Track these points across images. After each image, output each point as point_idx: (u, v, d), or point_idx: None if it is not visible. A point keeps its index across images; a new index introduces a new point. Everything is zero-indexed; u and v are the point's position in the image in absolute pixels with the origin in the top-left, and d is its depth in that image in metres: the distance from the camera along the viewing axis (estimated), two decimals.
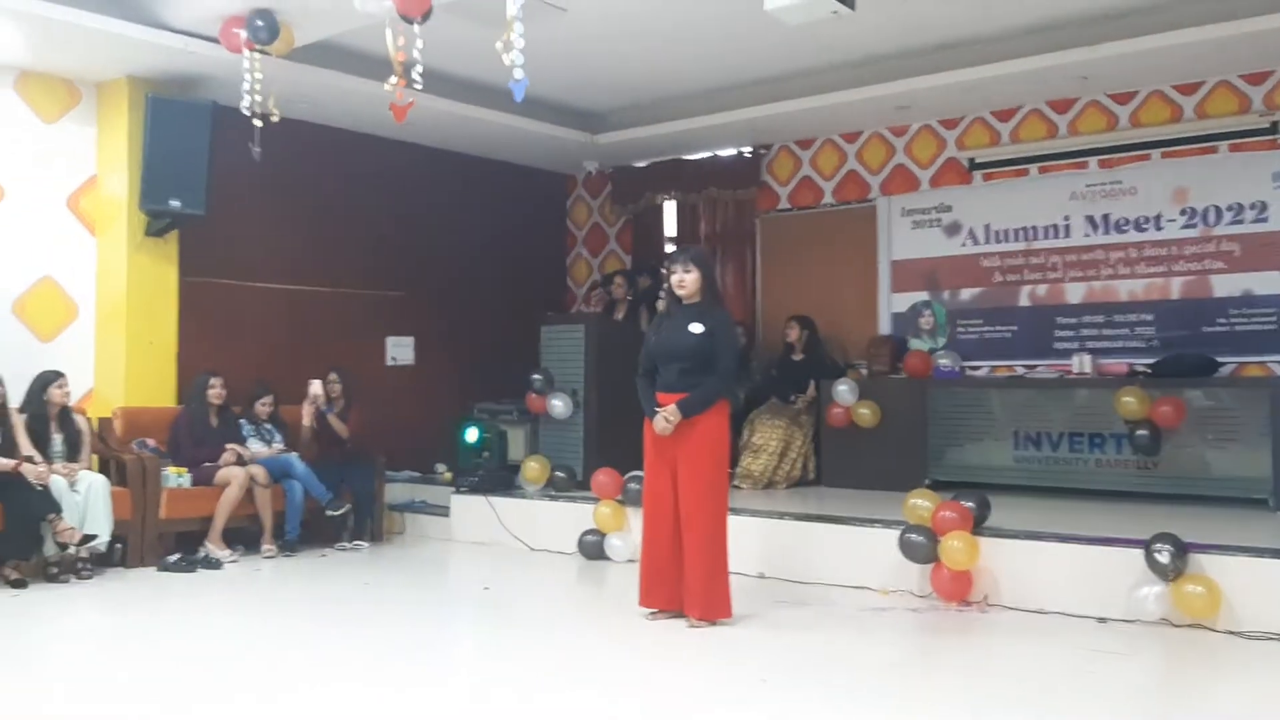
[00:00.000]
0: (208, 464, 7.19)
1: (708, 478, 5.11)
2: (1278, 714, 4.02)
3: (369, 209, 9.20)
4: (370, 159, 9.15)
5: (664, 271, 5.33)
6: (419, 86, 5.76)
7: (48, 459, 6.48)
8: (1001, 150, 8.47)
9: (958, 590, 5.63)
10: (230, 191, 7.87)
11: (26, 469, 6.19)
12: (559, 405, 8.31)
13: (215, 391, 7.37)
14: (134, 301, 7.57)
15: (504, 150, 9.80)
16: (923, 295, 8.87)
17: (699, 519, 5.09)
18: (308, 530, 7.46)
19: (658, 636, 5.00)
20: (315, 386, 7.73)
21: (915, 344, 8.73)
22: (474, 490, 8.00)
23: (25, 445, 6.39)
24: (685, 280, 5.19)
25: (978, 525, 5.78)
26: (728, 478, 5.32)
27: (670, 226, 10.35)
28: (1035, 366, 8.23)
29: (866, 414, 8.05)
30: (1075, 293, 8.20)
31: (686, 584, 5.13)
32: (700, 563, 5.08)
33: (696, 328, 5.12)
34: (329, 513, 7.46)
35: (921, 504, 5.90)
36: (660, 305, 8.53)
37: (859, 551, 6.14)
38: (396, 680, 4.30)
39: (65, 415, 6.71)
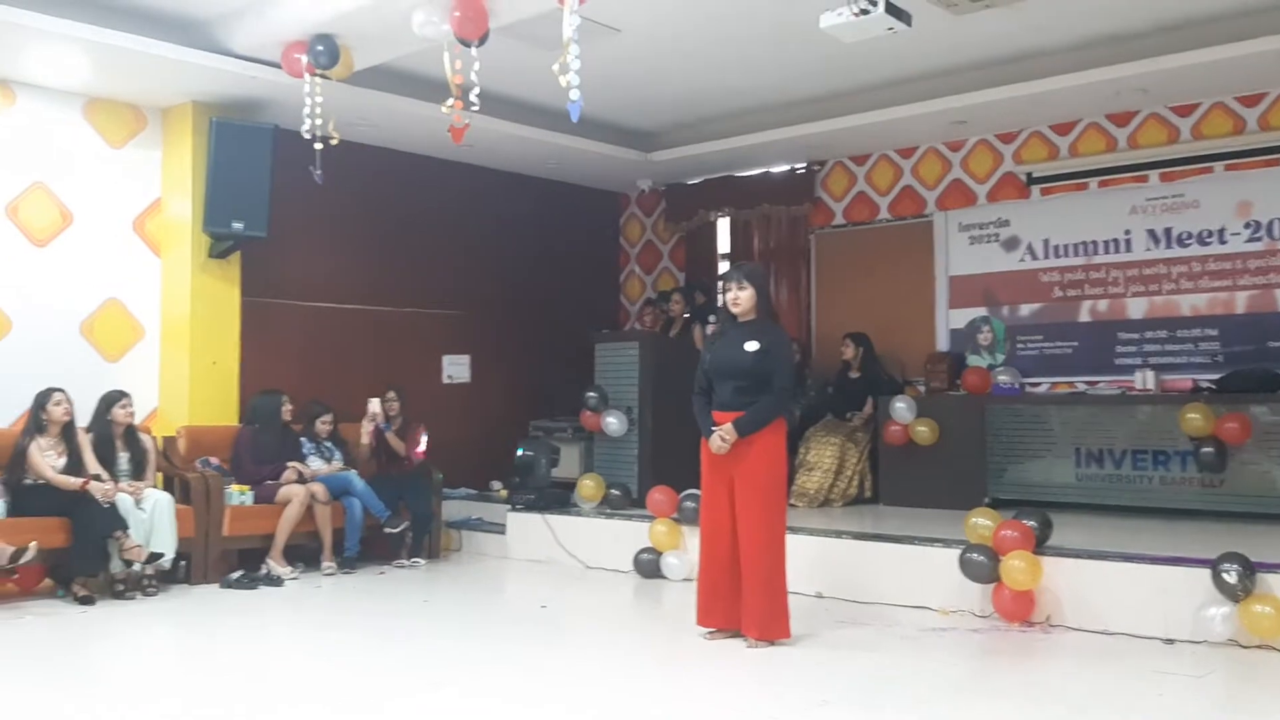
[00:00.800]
0: (269, 481, 7.30)
1: (765, 496, 5.11)
2: None
3: (426, 229, 9.32)
4: (428, 180, 9.27)
5: (719, 289, 5.34)
6: (476, 108, 5.84)
7: (114, 477, 6.62)
8: (1060, 164, 8.40)
9: (1020, 610, 5.57)
10: (291, 213, 8.03)
11: (94, 487, 6.33)
12: (614, 423, 8.34)
13: (288, 409, 7.49)
14: (197, 322, 7.73)
15: (558, 170, 9.88)
16: (981, 311, 8.80)
17: (757, 538, 5.08)
18: (366, 547, 7.53)
19: (716, 656, 4.99)
20: (374, 405, 7.83)
21: (974, 360, 8.66)
22: (530, 508, 8.04)
23: (92, 464, 6.54)
24: (740, 297, 5.20)
25: (1040, 544, 5.71)
26: (785, 496, 5.30)
27: (723, 243, 10.37)
28: (1096, 383, 8.13)
29: (924, 431, 7.99)
30: (1137, 308, 8.10)
31: (745, 603, 5.12)
32: (758, 582, 5.07)
33: (752, 345, 5.12)
34: (387, 530, 7.53)
35: (982, 523, 5.84)
36: (710, 326, 8.59)
37: (918, 571, 6.09)
38: (458, 697, 4.34)
39: (131, 434, 6.86)
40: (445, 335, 9.43)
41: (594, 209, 10.81)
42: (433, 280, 9.33)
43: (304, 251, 8.49)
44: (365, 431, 7.82)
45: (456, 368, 9.51)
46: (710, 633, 5.24)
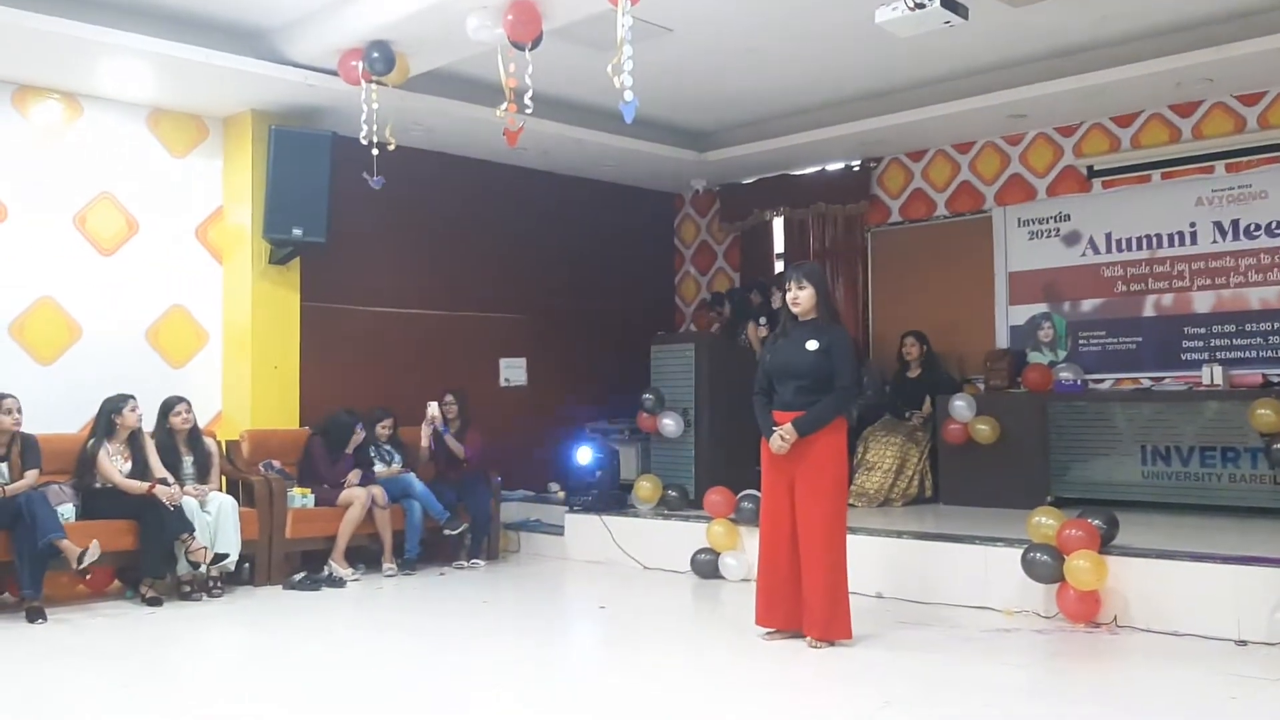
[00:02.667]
0: (329, 486, 7.39)
1: (826, 496, 5.06)
2: None
3: (482, 233, 9.37)
4: (483, 183, 9.33)
5: (773, 290, 5.32)
6: (530, 111, 5.85)
7: (179, 480, 6.73)
8: (1122, 156, 8.24)
9: (1085, 611, 5.46)
10: (349, 219, 8.13)
11: (160, 491, 6.44)
12: (670, 424, 8.33)
13: (359, 437, 7.53)
14: (258, 327, 7.84)
15: (612, 171, 9.90)
16: (1042, 307, 8.66)
17: (818, 537, 5.04)
18: (426, 549, 7.59)
19: (776, 656, 4.96)
20: (433, 409, 7.89)
21: (1035, 357, 8.53)
22: (587, 509, 8.05)
23: (158, 468, 6.65)
24: (800, 297, 5.17)
25: (1105, 544, 5.60)
26: (846, 495, 5.25)
27: (779, 243, 10.31)
28: (1162, 379, 7.96)
29: (985, 430, 7.88)
30: (1203, 302, 7.92)
31: (806, 604, 5.08)
32: (820, 582, 5.03)
33: (813, 345, 5.09)
34: (447, 531, 7.57)
35: (1046, 522, 5.74)
36: (762, 327, 8.54)
37: (981, 571, 6.00)
38: (520, 698, 4.35)
39: (195, 438, 6.97)
40: (501, 338, 9.47)
41: (648, 210, 10.81)
42: (489, 284, 9.38)
43: (362, 257, 8.58)
44: (424, 435, 7.88)
45: (513, 371, 9.55)
46: (769, 633, 5.21)
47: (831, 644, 5.04)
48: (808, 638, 5.08)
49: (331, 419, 7.60)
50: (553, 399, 9.58)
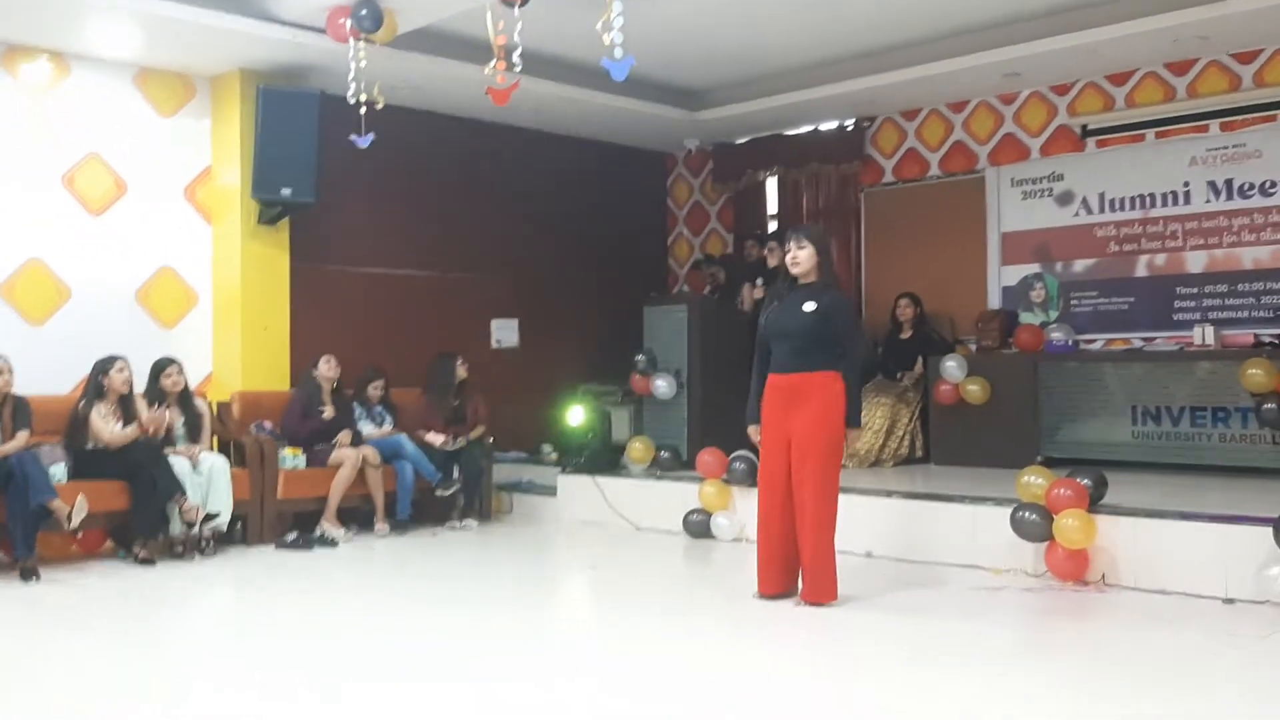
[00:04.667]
0: (320, 446, 7.37)
1: (824, 455, 5.03)
2: None
3: (472, 193, 9.30)
4: (473, 143, 9.24)
5: (771, 244, 5.27)
6: (519, 69, 5.78)
7: (170, 442, 6.72)
8: (1116, 115, 8.17)
9: (1073, 569, 5.48)
10: (338, 179, 8.06)
11: (147, 419, 6.46)
12: (663, 386, 8.32)
13: (329, 372, 7.53)
14: (248, 288, 7.80)
15: (604, 130, 9.81)
16: (1034, 267, 8.63)
17: (813, 497, 5.02)
18: (418, 509, 7.60)
19: (767, 617, 4.96)
20: (436, 438, 7.83)
21: (1026, 318, 8.50)
22: (580, 470, 8.06)
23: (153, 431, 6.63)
24: (799, 256, 5.10)
25: (1094, 503, 5.61)
26: (840, 459, 5.19)
27: (772, 204, 10.25)
28: (1154, 339, 7.94)
29: (976, 390, 7.87)
30: (1196, 261, 7.89)
31: (805, 563, 5.07)
32: (810, 542, 5.02)
33: (810, 306, 5.03)
34: (439, 492, 7.58)
35: (1035, 481, 5.74)
36: (758, 288, 8.50)
37: (970, 530, 6.02)
38: (512, 657, 4.36)
39: (186, 399, 6.94)
40: (493, 299, 9.43)
41: (641, 170, 10.73)
42: (480, 244, 9.32)
43: (352, 217, 8.52)
44: (432, 439, 7.80)
45: (505, 332, 9.51)
46: (770, 597, 5.14)
47: (817, 604, 5.03)
48: (795, 598, 5.08)
49: (304, 376, 7.58)
50: (545, 360, 9.56)
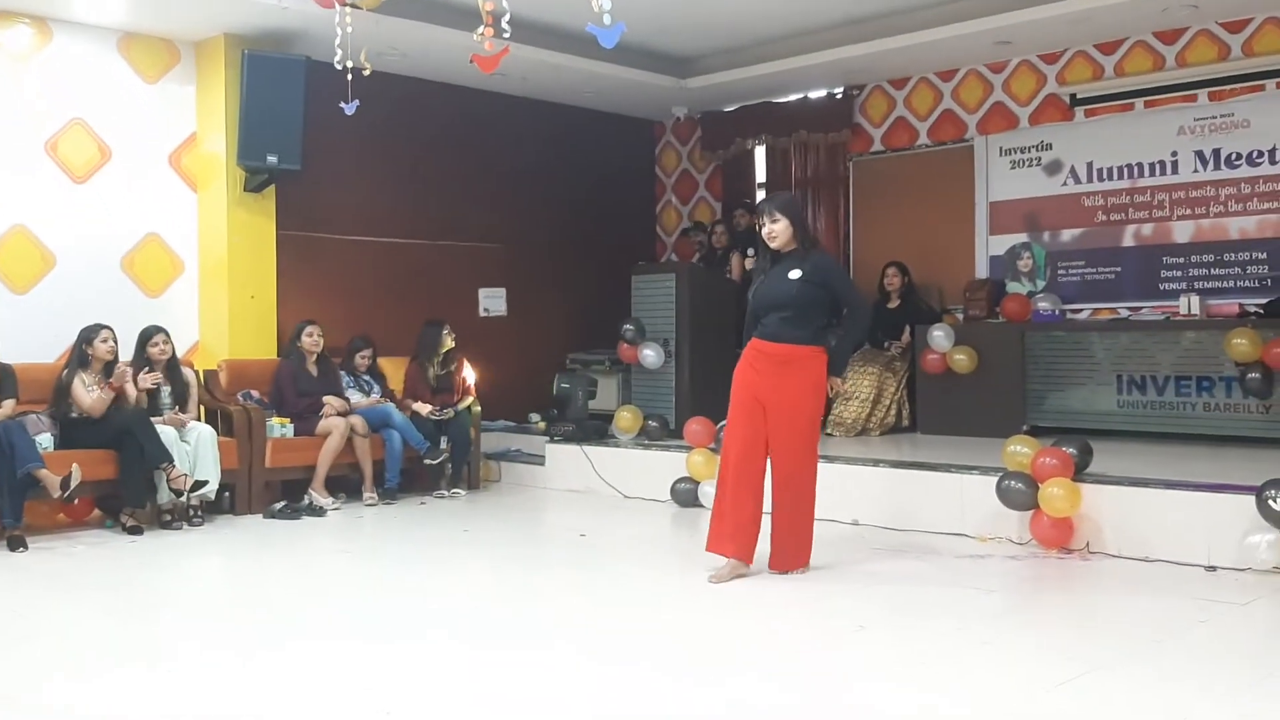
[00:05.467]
0: (309, 415, 7.36)
1: (811, 428, 5.05)
2: None
3: (460, 160, 9.25)
4: (461, 110, 9.17)
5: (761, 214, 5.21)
6: (508, 35, 5.72)
7: (157, 410, 6.69)
8: (1105, 85, 8.15)
9: (1058, 537, 5.52)
10: (325, 146, 8.00)
11: (116, 375, 6.41)
12: (651, 355, 8.32)
13: (312, 340, 7.51)
14: (235, 256, 7.76)
15: (592, 98, 9.75)
16: (1022, 237, 8.63)
17: (799, 468, 5.03)
18: (407, 478, 7.61)
19: (753, 584, 4.98)
20: (422, 408, 7.80)
21: (1014, 287, 8.52)
22: (568, 439, 8.07)
23: (133, 394, 6.59)
24: (775, 230, 5.06)
25: (1079, 471, 5.64)
26: (820, 431, 5.20)
27: (760, 172, 10.22)
28: (1140, 309, 7.97)
29: (963, 359, 7.89)
30: (1183, 231, 7.90)
31: (777, 533, 5.08)
32: (790, 513, 5.04)
33: (795, 274, 5.00)
34: (427, 461, 7.57)
35: (1020, 450, 5.77)
36: (749, 257, 8.47)
37: (956, 498, 6.06)
38: (504, 625, 4.37)
39: (173, 367, 6.91)
40: (481, 268, 9.39)
41: (629, 138, 10.67)
42: (467, 212, 9.28)
43: (339, 185, 8.47)
44: (420, 409, 7.78)
45: (493, 300, 9.48)
46: (717, 572, 5.01)
47: (791, 572, 5.06)
48: (774, 569, 5.08)
49: (290, 347, 7.56)
50: (533, 329, 9.54)
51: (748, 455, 5.03)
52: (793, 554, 5.09)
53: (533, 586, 5.16)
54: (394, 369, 8.02)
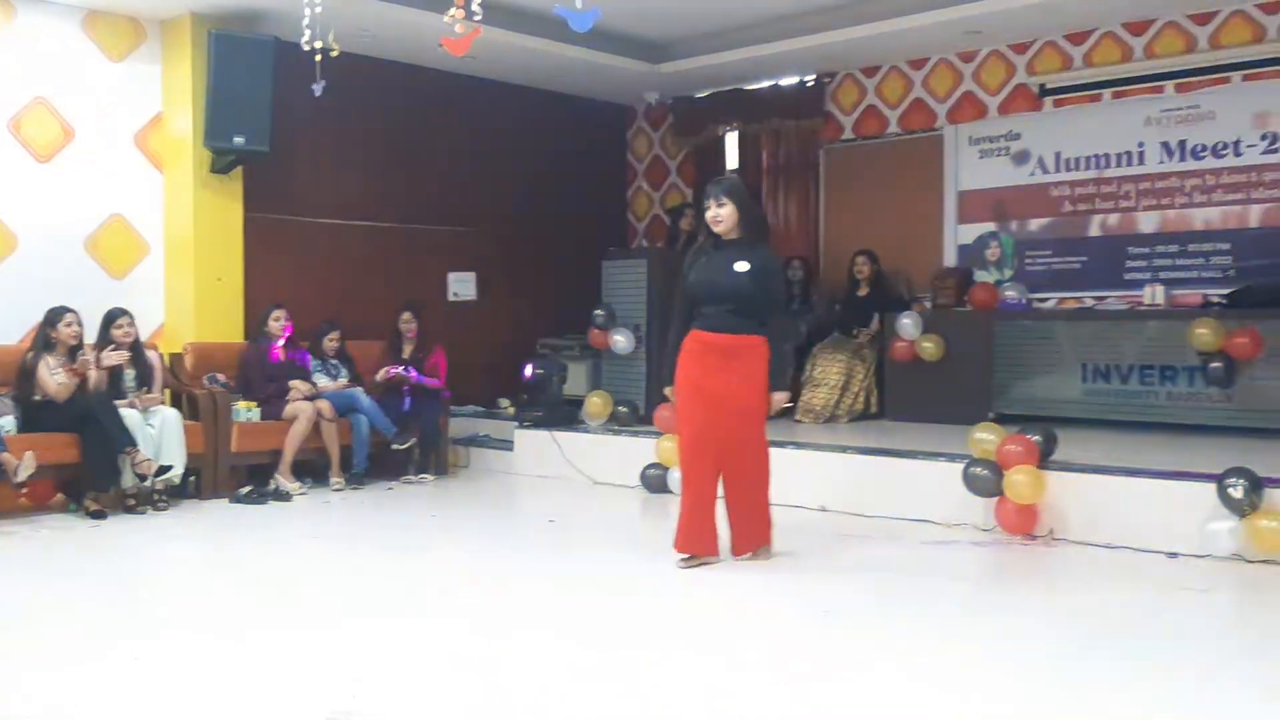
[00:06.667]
0: (276, 398, 7.30)
1: (761, 416, 5.04)
2: None
3: (430, 143, 9.18)
4: (431, 92, 9.09)
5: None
6: (479, 18, 5.67)
7: (121, 394, 6.61)
8: (1074, 75, 8.20)
9: (1022, 524, 5.57)
10: (293, 127, 7.91)
11: (81, 363, 6.34)
12: (621, 340, 8.30)
13: (279, 324, 7.45)
14: (201, 238, 7.67)
15: (565, 82, 9.70)
16: (990, 226, 8.67)
17: (755, 456, 5.04)
18: (374, 463, 7.56)
19: (720, 569, 4.99)
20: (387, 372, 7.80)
21: (981, 276, 8.56)
22: (537, 425, 8.05)
23: (96, 377, 6.51)
24: (720, 215, 4.98)
25: (1044, 459, 5.69)
26: (768, 410, 5.13)
27: (732, 159, 10.20)
28: (1105, 298, 8.03)
29: (930, 347, 7.94)
30: (1148, 222, 7.96)
31: (735, 517, 5.06)
32: (748, 499, 5.06)
33: (742, 266, 4.93)
34: (394, 446, 7.55)
35: (986, 437, 5.82)
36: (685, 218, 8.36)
37: (922, 485, 6.10)
38: (474, 611, 4.36)
39: (137, 351, 6.83)
40: (450, 252, 9.33)
41: (601, 123, 10.63)
42: (437, 195, 9.21)
43: (306, 167, 8.38)
44: (382, 375, 7.77)
45: (462, 285, 9.43)
46: (686, 559, 5.01)
47: (755, 555, 5.07)
48: (738, 555, 5.08)
49: (257, 331, 7.52)
50: (502, 314, 9.50)
51: (701, 451, 4.99)
52: (753, 534, 5.08)
53: (501, 571, 5.15)
54: (362, 353, 7.96)
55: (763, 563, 5.07)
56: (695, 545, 5.02)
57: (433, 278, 9.23)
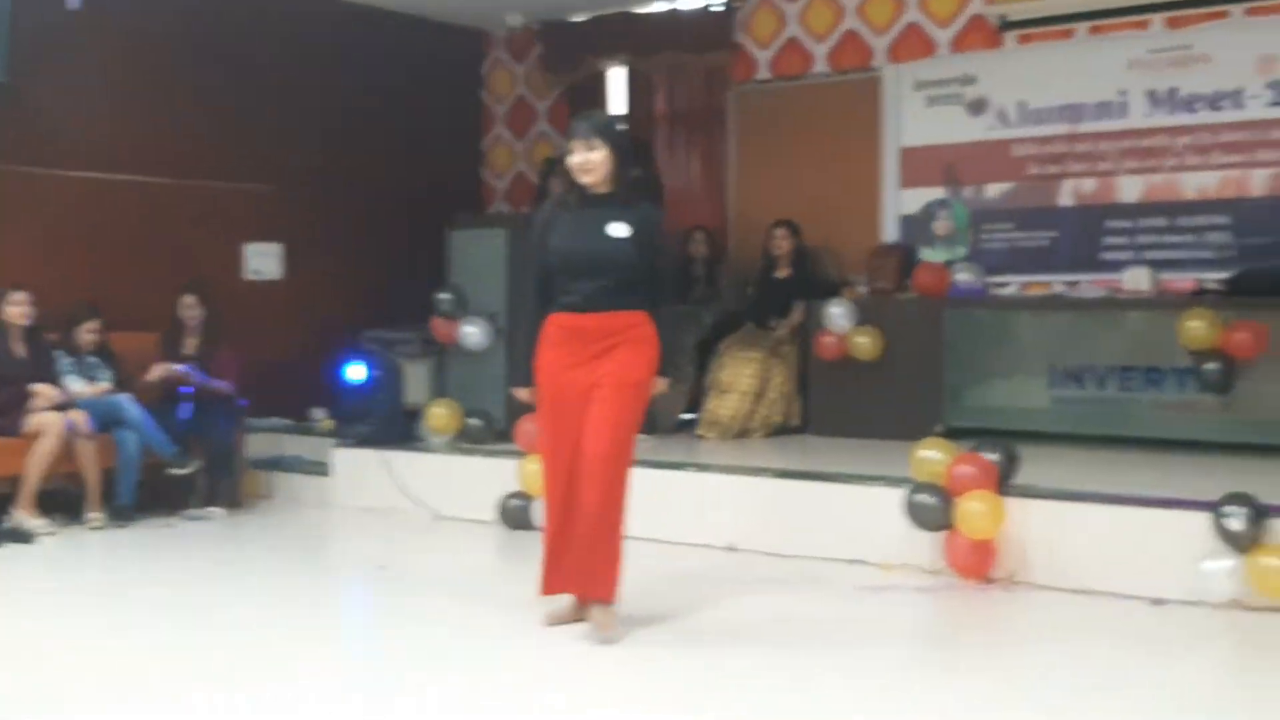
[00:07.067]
0: (13, 409, 7.14)
1: (625, 415, 4.87)
2: None
3: (224, 76, 9.05)
4: (225, 12, 8.98)
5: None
6: None
7: None
8: (1042, 4, 8.41)
9: (977, 564, 5.68)
10: (39, 54, 7.79)
11: None
12: (474, 333, 8.26)
13: (18, 310, 7.27)
14: None
15: None
16: (939, 192, 8.86)
17: (604, 464, 4.79)
18: (146, 493, 7.45)
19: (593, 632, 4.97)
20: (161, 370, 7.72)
21: (928, 254, 8.73)
22: (363, 443, 8.00)
23: None
24: (591, 161, 4.87)
25: (1003, 483, 5.81)
26: (640, 424, 5.07)
27: (618, 101, 10.23)
28: (1078, 283, 8.26)
29: (865, 343, 8.06)
30: (1131, 189, 8.22)
31: (576, 546, 4.87)
32: (593, 521, 4.80)
33: (620, 230, 4.87)
34: (174, 471, 7.47)
35: (933, 456, 5.92)
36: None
37: (854, 517, 6.17)
38: (264, 695, 4.28)
39: None
40: (248, 217, 9.23)
41: (447, 53, 10.60)
42: (232, 144, 9.09)
43: (59, 103, 8.20)
44: (155, 373, 7.68)
45: (263, 259, 9.32)
46: (557, 614, 5.01)
47: (599, 603, 4.86)
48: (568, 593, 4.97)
49: None
50: (318, 298, 9.40)
51: (563, 463, 4.92)
52: (599, 576, 4.84)
53: (314, 635, 5.07)
54: (130, 348, 7.79)
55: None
56: (555, 586, 4.98)
57: (225, 249, 9.11)
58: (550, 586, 5.01)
